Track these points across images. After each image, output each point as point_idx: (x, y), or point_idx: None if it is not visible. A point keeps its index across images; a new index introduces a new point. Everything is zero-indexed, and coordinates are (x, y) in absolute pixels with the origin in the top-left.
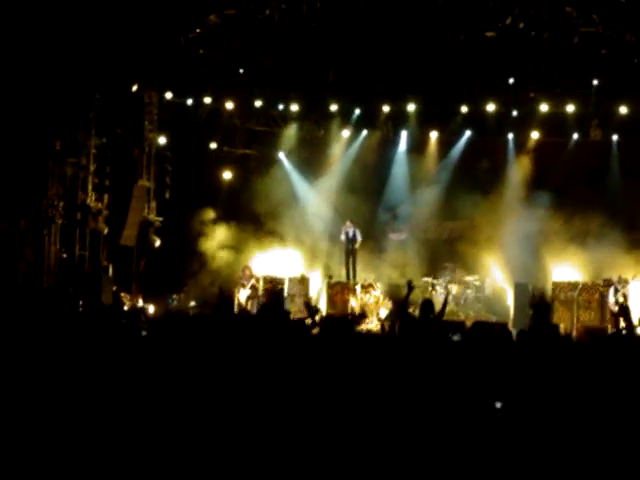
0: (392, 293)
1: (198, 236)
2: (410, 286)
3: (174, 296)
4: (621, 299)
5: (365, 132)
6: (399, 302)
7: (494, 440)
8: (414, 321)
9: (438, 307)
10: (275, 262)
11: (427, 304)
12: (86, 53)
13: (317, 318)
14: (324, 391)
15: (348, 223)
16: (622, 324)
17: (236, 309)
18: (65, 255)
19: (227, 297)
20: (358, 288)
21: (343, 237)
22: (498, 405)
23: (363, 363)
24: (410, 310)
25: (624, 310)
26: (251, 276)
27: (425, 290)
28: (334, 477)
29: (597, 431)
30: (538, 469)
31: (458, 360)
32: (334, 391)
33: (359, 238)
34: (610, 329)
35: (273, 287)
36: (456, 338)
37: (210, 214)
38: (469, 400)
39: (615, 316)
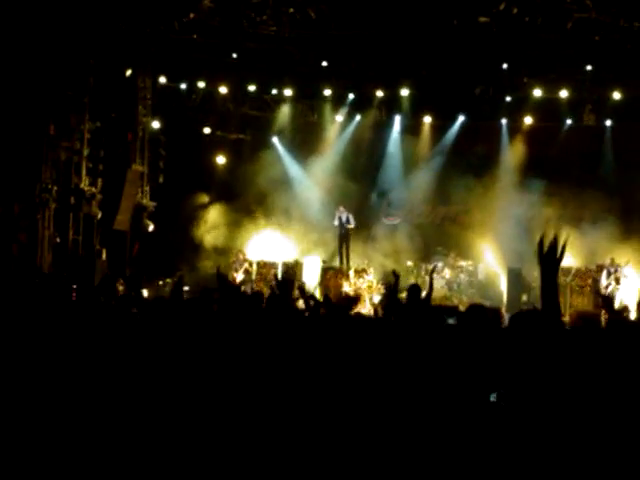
0: (386, 280)
1: (192, 220)
2: (395, 275)
3: (167, 280)
4: (613, 283)
5: (359, 117)
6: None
7: (491, 428)
8: (402, 306)
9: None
10: (269, 246)
11: (414, 289)
12: (80, 37)
13: (312, 302)
14: (318, 375)
15: (341, 208)
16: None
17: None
18: (59, 239)
19: (225, 279)
20: (351, 273)
21: (336, 222)
22: (493, 395)
23: (357, 347)
24: (402, 295)
25: (607, 300)
26: (244, 260)
27: (418, 275)
28: (325, 464)
29: (593, 420)
30: (536, 460)
31: (452, 344)
32: (328, 375)
33: (352, 223)
34: (603, 314)
35: (286, 273)
36: (452, 321)
37: (204, 198)
38: (463, 385)
39: (603, 299)
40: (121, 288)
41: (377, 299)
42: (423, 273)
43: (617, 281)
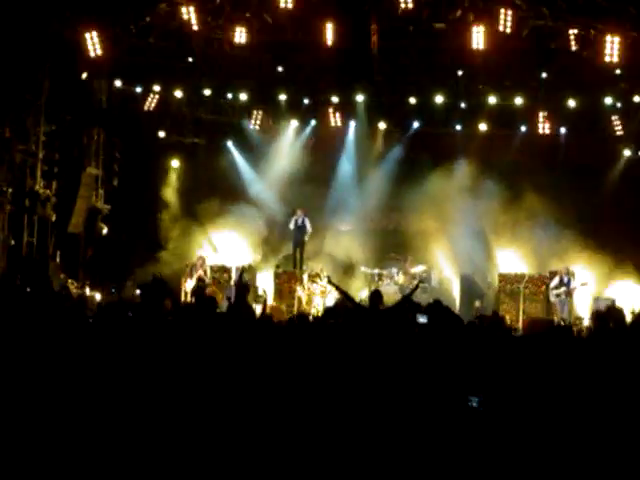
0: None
1: (146, 224)
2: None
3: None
4: (563, 294)
5: (313, 122)
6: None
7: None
8: (365, 311)
9: (385, 298)
10: (223, 250)
11: (376, 294)
12: (36, 40)
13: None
14: (280, 381)
15: (299, 212)
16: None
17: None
18: (13, 242)
19: (161, 284)
20: (305, 277)
21: (292, 226)
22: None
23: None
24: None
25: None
26: (201, 267)
27: (372, 281)
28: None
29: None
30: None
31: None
32: (291, 381)
33: (309, 228)
34: (556, 320)
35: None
36: (422, 320)
37: (158, 202)
38: (432, 387)
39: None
40: (74, 290)
41: (331, 303)
42: (376, 280)
43: (568, 294)
